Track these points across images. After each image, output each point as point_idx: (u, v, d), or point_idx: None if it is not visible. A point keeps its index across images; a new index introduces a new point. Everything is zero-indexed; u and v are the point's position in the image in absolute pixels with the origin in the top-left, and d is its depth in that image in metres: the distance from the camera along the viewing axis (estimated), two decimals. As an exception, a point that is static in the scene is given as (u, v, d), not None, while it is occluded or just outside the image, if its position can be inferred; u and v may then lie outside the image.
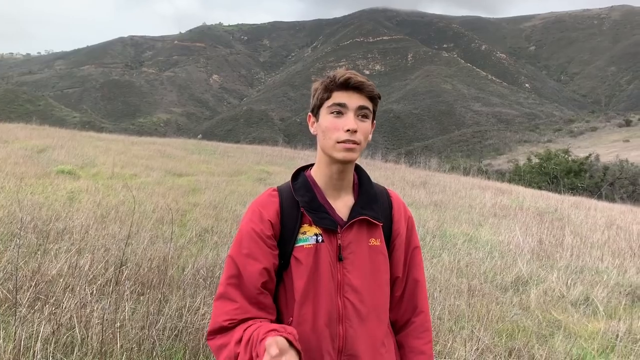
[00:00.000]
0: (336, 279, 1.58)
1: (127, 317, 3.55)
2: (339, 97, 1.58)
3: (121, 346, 3.16)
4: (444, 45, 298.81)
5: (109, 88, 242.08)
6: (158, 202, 8.52)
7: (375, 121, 1.70)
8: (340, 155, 1.57)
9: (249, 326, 1.48)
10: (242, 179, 13.11)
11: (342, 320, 1.57)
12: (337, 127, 1.57)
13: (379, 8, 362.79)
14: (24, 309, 3.45)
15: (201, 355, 3.34)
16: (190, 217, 7.90)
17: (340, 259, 1.59)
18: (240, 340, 1.45)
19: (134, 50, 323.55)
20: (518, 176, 26.86)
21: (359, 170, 1.75)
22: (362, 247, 1.62)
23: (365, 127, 1.59)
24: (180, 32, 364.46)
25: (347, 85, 1.57)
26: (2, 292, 3.73)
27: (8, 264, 4.26)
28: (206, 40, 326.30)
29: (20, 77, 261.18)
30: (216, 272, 4.87)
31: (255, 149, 23.77)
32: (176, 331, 3.52)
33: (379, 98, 1.64)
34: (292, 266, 1.59)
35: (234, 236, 6.76)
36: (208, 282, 4.60)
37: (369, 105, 1.61)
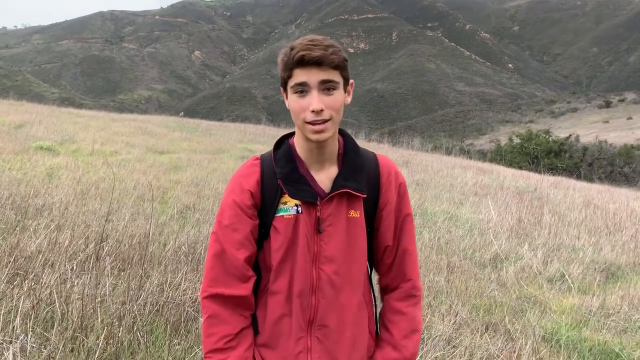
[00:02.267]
0: (312, 250, 1.57)
1: (107, 293, 3.55)
2: (298, 75, 1.49)
3: (102, 321, 3.16)
4: (429, 24, 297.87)
5: (89, 64, 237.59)
6: (139, 179, 8.46)
7: (352, 81, 1.60)
8: (312, 137, 1.52)
9: None
10: (225, 157, 13.05)
11: (315, 291, 1.58)
12: (303, 107, 1.50)
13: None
14: (3, 285, 3.42)
15: (182, 330, 3.36)
16: (172, 194, 7.86)
17: (319, 231, 1.57)
18: None
19: (114, 25, 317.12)
20: (499, 156, 27.18)
21: (345, 136, 1.69)
22: (341, 219, 1.59)
23: (332, 101, 1.50)
24: (162, 7, 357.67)
25: (304, 63, 1.48)
26: (-20, 267, 3.69)
27: (-14, 239, 4.21)
28: (188, 16, 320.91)
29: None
30: (198, 248, 4.87)
31: (238, 127, 23.61)
32: (157, 306, 3.53)
33: (346, 61, 1.53)
34: (272, 236, 1.59)
35: (216, 213, 6.80)
36: (190, 259, 4.60)
37: (334, 76, 1.50)
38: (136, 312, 3.29)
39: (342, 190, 1.58)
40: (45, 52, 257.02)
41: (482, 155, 29.31)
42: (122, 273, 4.07)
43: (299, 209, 1.57)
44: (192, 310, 3.58)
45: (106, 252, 4.36)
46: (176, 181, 9.01)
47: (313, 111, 1.48)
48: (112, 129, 15.61)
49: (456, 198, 10.43)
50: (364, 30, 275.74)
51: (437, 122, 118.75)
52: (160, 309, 3.51)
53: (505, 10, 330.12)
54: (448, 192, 11.06)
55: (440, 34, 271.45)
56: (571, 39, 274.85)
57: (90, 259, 4.18)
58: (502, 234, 7.63)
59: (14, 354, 2.62)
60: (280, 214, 1.58)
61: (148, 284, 3.79)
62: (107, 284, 3.64)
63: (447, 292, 4.91)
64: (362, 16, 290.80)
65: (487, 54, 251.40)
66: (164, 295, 3.66)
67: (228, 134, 18.85)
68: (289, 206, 1.58)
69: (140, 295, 3.53)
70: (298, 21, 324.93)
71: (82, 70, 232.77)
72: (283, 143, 1.67)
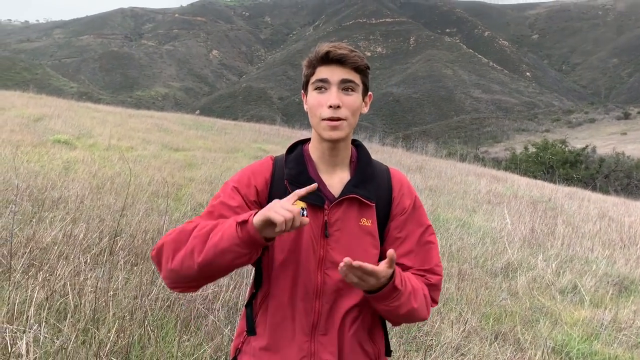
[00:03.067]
0: (318, 254, 1.57)
1: (120, 287, 3.59)
2: (321, 72, 1.55)
3: (114, 314, 3.20)
4: (447, 30, 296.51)
5: (108, 59, 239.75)
6: (154, 176, 8.53)
7: (370, 92, 1.66)
8: (325, 134, 1.55)
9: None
10: (239, 156, 13.11)
11: (320, 295, 1.57)
12: (321, 103, 1.55)
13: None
14: (18, 275, 3.48)
15: (192, 326, 3.39)
16: (186, 191, 7.92)
17: (326, 235, 1.57)
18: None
19: (133, 22, 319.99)
20: (514, 164, 26.97)
21: (359, 147, 1.71)
22: (350, 226, 1.59)
23: (351, 101, 1.55)
24: (182, 6, 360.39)
25: (328, 59, 1.54)
26: (-4, 257, 3.76)
27: (3, 230, 4.28)
28: (207, 15, 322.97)
29: (18, 45, 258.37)
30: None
31: (253, 126, 23.71)
32: (168, 302, 3.56)
33: (368, 69, 1.59)
34: (276, 237, 1.57)
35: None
36: (201, 256, 4.63)
37: (355, 77, 1.56)
38: (147, 307, 3.32)
39: (350, 196, 1.59)
40: (65, 47, 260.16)
41: (497, 163, 29.11)
42: (135, 268, 4.12)
43: (304, 212, 1.56)
44: (203, 308, 3.61)
45: (120, 247, 4.41)
46: (190, 179, 9.08)
47: (330, 106, 1.52)
48: (128, 125, 15.76)
49: (469, 205, 10.38)
50: (381, 34, 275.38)
51: (452, 128, 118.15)
52: (171, 305, 3.54)
53: (524, 18, 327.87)
54: (461, 199, 11.00)
55: (458, 40, 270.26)
56: (591, 48, 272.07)
57: (104, 253, 4.23)
58: (515, 243, 7.58)
59: (27, 344, 2.66)
60: None
61: (160, 279, 3.82)
62: (120, 278, 3.68)
63: (457, 299, 4.89)
64: (380, 20, 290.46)
65: (505, 62, 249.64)
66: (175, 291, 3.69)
67: (243, 134, 18.94)
68: None
69: (152, 290, 3.57)
70: (316, 23, 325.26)
71: (101, 65, 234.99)
72: (296, 147, 1.69)
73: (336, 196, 1.61)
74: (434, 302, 1.68)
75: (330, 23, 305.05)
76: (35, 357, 2.67)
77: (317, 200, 1.57)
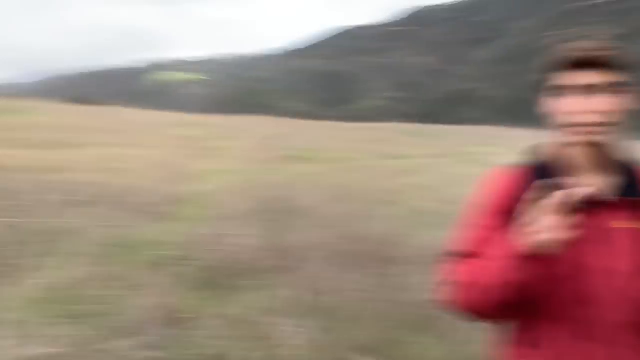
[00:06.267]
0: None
1: (372, 289, 3.70)
2: (563, 77, 1.38)
3: (371, 314, 3.33)
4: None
5: (324, 78, 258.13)
6: (375, 183, 8.75)
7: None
8: (577, 139, 1.39)
9: None
10: (452, 162, 12.83)
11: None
12: (568, 109, 1.38)
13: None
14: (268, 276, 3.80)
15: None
16: (406, 196, 7.91)
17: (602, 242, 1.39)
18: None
19: (346, 41, 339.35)
20: None
21: (622, 145, 1.51)
22: (623, 230, 1.40)
23: (603, 104, 1.36)
24: (391, 19, 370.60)
25: (570, 64, 1.37)
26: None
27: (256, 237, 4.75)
28: (418, 23, 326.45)
29: (252, 74, 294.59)
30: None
31: (472, 129, 23.07)
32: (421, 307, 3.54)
33: (621, 64, 1.37)
34: None
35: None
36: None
37: (606, 78, 1.36)
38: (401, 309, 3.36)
39: (622, 198, 1.43)
40: (286, 71, 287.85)
41: None
42: (380, 271, 4.20)
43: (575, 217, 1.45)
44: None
45: (362, 251, 4.57)
46: (411, 185, 9.09)
47: (578, 113, 1.38)
48: (348, 137, 16.60)
49: None
50: (612, 13, 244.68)
51: None
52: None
53: None
54: None
55: None
56: None
57: (349, 257, 4.42)
58: None
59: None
60: None
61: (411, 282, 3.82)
62: (369, 281, 3.80)
63: None
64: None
65: None
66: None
67: (459, 138, 18.56)
68: None
69: (404, 293, 3.60)
70: (533, 15, 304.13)
71: (318, 84, 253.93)
72: (535, 152, 1.54)
73: (602, 199, 1.41)
74: None
75: (549, 11, 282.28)
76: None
77: (585, 204, 1.34)
